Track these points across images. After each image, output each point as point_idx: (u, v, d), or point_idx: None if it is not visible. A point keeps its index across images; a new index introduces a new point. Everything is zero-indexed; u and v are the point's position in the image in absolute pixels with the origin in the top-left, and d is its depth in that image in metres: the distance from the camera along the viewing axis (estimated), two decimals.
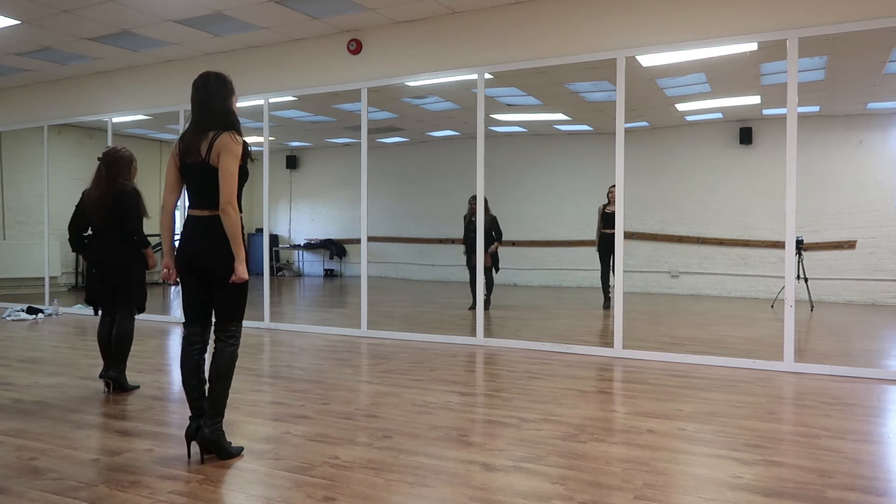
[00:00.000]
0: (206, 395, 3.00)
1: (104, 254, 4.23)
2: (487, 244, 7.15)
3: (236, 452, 2.98)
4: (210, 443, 2.89)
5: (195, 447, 2.98)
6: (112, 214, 4.17)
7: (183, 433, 3.08)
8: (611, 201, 7.51)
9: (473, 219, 7.31)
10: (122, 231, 4.21)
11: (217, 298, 2.98)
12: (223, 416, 2.96)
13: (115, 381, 4.22)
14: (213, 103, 2.97)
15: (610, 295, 8.06)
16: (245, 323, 4.78)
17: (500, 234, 8.12)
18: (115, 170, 4.21)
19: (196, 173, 2.94)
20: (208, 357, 3.09)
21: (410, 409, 3.83)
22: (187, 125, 3.02)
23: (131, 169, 4.31)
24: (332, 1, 6.00)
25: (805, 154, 5.77)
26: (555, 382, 4.54)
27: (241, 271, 2.89)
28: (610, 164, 5.57)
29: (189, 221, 2.98)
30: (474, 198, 6.47)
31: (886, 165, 9.20)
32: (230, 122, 2.96)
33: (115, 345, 4.22)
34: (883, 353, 6.07)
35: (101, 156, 4.28)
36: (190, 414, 3.01)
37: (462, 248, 8.22)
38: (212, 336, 3.10)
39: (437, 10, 6.16)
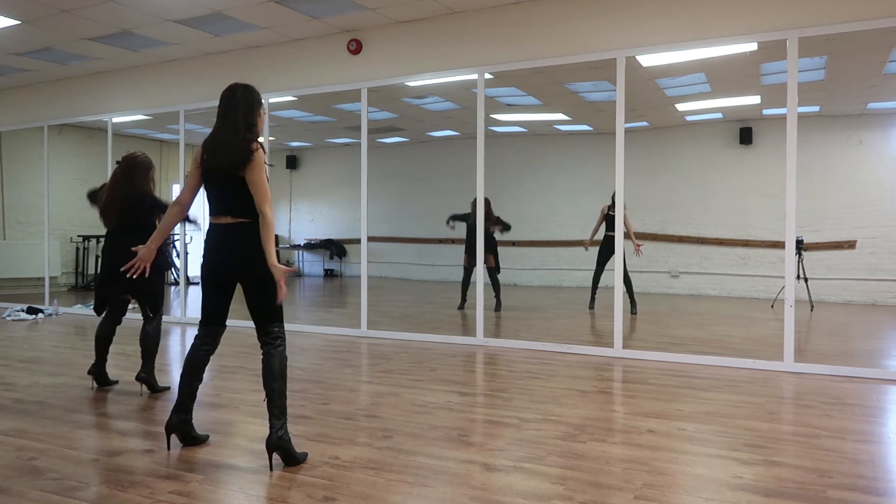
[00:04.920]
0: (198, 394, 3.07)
1: (119, 255, 4.20)
2: (488, 244, 7.13)
3: (302, 459, 2.94)
4: (279, 448, 2.86)
5: (192, 440, 3.11)
6: (126, 218, 4.16)
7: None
8: (613, 205, 7.49)
9: (474, 214, 7.32)
10: (137, 234, 4.19)
11: (254, 304, 2.98)
12: (287, 419, 2.92)
13: (146, 383, 4.22)
14: (236, 116, 2.94)
15: (595, 295, 8.06)
16: (244, 324, 4.79)
17: (505, 224, 8.07)
18: (131, 174, 4.21)
19: (220, 182, 2.94)
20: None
21: (410, 409, 3.83)
22: (212, 132, 3.00)
23: (149, 175, 4.30)
24: (332, 1, 6.00)
25: (805, 154, 5.77)
26: (555, 382, 4.54)
27: (277, 268, 2.86)
28: (610, 164, 5.57)
29: (213, 230, 2.99)
30: (476, 201, 6.50)
31: (886, 165, 9.20)
32: (252, 135, 2.94)
33: (144, 346, 4.22)
34: (883, 353, 6.07)
35: (119, 160, 4.28)
36: (173, 407, 3.07)
37: (462, 249, 8.23)
38: (214, 341, 3.12)
39: (437, 10, 6.16)
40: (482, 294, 6.33)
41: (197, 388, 3.10)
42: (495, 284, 8.04)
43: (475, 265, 6.59)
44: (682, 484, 2.71)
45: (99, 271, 4.42)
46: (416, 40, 6.43)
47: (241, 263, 2.94)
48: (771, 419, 3.66)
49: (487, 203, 7.20)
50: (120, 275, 4.19)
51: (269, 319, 2.98)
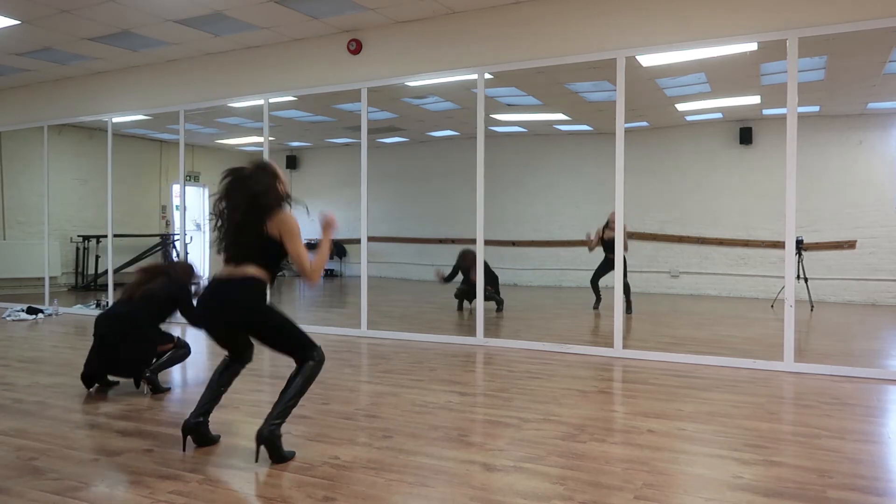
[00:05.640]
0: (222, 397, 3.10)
1: (116, 333, 4.20)
2: (488, 279, 7.09)
3: (290, 457, 2.94)
4: (267, 441, 2.86)
5: (206, 441, 3.15)
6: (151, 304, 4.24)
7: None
8: (609, 225, 7.38)
9: (464, 263, 7.55)
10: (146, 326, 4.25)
11: (269, 346, 3.02)
12: (285, 420, 2.92)
13: (151, 383, 4.23)
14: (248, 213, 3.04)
15: (600, 295, 8.02)
16: None
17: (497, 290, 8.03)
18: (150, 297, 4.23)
19: (236, 228, 3.01)
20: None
21: (410, 409, 3.83)
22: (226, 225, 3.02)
23: (162, 284, 4.30)
24: (332, 1, 6.00)
25: (805, 154, 5.76)
26: (555, 382, 4.54)
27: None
28: (610, 164, 5.57)
29: (214, 282, 3.02)
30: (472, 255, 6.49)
31: (886, 165, 9.20)
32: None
33: (167, 357, 4.31)
34: (883, 353, 6.07)
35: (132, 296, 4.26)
36: (195, 409, 3.10)
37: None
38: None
39: (437, 10, 6.15)
40: (482, 294, 6.33)
41: (223, 393, 3.15)
42: (496, 300, 7.97)
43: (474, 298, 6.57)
44: (682, 484, 2.71)
45: (94, 343, 4.30)
46: (415, 40, 6.43)
47: (235, 313, 2.94)
48: (771, 419, 3.66)
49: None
50: (108, 356, 4.16)
51: (291, 353, 3.00)
